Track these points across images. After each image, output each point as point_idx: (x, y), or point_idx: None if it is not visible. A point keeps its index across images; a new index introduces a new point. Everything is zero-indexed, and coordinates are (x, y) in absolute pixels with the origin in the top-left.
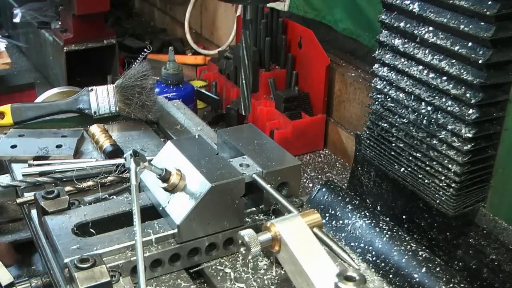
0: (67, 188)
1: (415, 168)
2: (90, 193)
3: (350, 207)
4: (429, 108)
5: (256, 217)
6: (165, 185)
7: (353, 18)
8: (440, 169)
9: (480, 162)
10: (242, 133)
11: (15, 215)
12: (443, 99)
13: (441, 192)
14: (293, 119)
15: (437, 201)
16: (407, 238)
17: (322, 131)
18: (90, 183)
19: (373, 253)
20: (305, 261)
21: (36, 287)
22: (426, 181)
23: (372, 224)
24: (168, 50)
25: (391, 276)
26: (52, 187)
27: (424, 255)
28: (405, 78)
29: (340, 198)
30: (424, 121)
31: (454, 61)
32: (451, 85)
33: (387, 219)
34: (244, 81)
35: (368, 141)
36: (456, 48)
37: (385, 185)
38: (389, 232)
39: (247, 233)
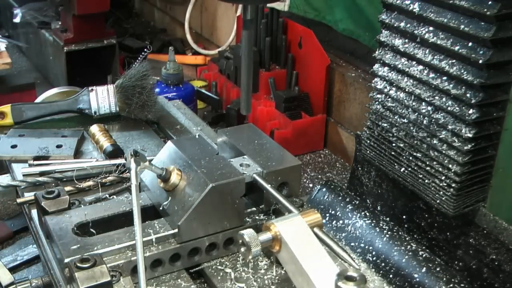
0: (68, 188)
1: (415, 168)
2: (91, 193)
3: (350, 207)
4: (429, 108)
5: (256, 217)
6: (165, 185)
7: (353, 18)
8: (440, 169)
9: (480, 162)
10: (242, 133)
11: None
12: (443, 99)
13: (441, 192)
14: (293, 119)
15: (437, 201)
16: (407, 238)
17: (322, 131)
18: (90, 183)
19: (373, 253)
20: (306, 261)
21: (36, 287)
22: (426, 181)
23: (372, 224)
24: (168, 50)
25: (391, 276)
26: (52, 187)
27: (424, 255)
28: (405, 78)
29: (340, 198)
30: (425, 121)
31: (454, 61)
32: (451, 85)
33: (387, 219)
34: (244, 81)
35: (368, 141)
36: (456, 48)
37: (385, 185)
38: (389, 232)
39: (247, 233)
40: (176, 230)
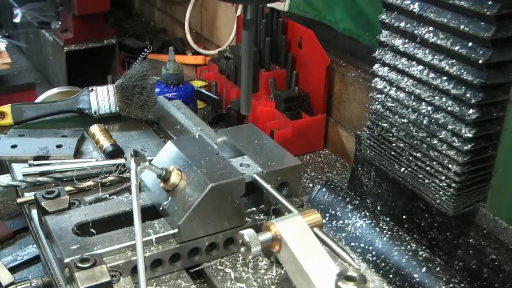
0: (68, 188)
1: (415, 168)
2: (91, 193)
3: (350, 207)
4: (429, 108)
5: (256, 217)
6: (165, 185)
7: (353, 18)
8: (440, 169)
9: (480, 162)
10: (242, 133)
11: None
12: (443, 99)
13: (441, 192)
14: (293, 119)
15: (437, 201)
16: (407, 238)
17: (322, 131)
18: (90, 183)
19: (373, 253)
20: (305, 261)
21: (36, 287)
22: (426, 181)
23: (372, 224)
24: (168, 50)
25: (391, 276)
26: (52, 187)
27: (424, 255)
28: (405, 78)
29: (340, 198)
30: (424, 121)
31: (454, 61)
32: (451, 85)
33: (387, 219)
34: (244, 81)
35: (368, 141)
36: (456, 48)
37: (385, 185)
38: (389, 232)
39: (247, 233)
40: (176, 230)
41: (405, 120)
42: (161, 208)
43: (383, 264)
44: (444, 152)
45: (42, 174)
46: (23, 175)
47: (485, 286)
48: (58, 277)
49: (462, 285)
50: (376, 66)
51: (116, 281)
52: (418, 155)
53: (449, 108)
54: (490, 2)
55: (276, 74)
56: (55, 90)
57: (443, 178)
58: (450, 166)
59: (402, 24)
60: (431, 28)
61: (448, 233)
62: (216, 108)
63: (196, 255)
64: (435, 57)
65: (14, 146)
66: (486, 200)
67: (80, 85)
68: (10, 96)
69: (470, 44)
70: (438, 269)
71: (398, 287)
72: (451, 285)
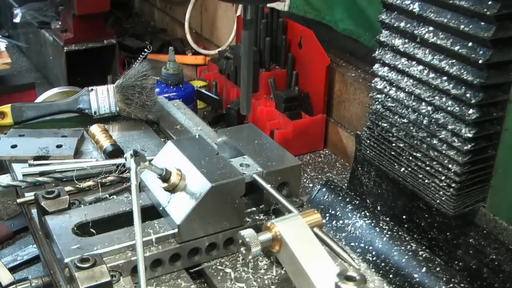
0: (67, 188)
1: (415, 168)
2: (91, 193)
3: (350, 207)
4: (429, 108)
5: (256, 217)
6: (165, 185)
7: (353, 18)
8: (440, 169)
9: (480, 162)
10: (242, 133)
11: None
12: (443, 99)
13: (441, 192)
14: (293, 119)
15: (437, 201)
16: (407, 238)
17: (322, 131)
18: (90, 183)
19: (373, 253)
20: (306, 261)
21: (36, 287)
22: (426, 181)
23: (372, 224)
24: (168, 50)
25: (391, 276)
26: (52, 187)
27: (424, 255)
28: (405, 78)
29: (340, 198)
30: (424, 121)
31: (454, 61)
32: (451, 85)
33: (387, 219)
34: (244, 81)
35: (368, 141)
36: (456, 48)
37: (385, 185)
38: (389, 232)
39: (247, 233)
40: (176, 230)
41: (405, 120)
42: (161, 208)
43: (383, 264)
44: (444, 152)
45: (42, 174)
46: (23, 175)
47: (485, 286)
48: (58, 277)
49: (462, 285)
50: (376, 66)
51: (116, 281)
52: (418, 155)
53: (449, 108)
54: (490, 2)
55: (276, 74)
56: (55, 90)
57: (443, 178)
58: (450, 166)
59: (402, 24)
60: (431, 28)
61: (448, 233)
62: (216, 108)
63: (196, 255)
64: (435, 57)
65: (14, 146)
66: (486, 200)
67: (80, 85)
68: (10, 96)
69: (470, 44)
70: (438, 269)
71: (398, 287)
72: (451, 285)
